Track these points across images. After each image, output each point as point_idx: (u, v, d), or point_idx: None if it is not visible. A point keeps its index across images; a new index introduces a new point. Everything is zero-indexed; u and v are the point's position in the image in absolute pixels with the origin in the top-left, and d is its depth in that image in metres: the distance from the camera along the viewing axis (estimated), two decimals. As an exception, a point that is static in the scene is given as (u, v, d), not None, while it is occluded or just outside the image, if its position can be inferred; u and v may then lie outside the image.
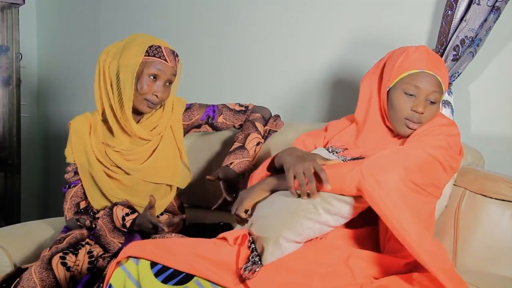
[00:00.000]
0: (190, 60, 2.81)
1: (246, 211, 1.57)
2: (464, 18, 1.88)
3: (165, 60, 1.85)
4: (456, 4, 1.90)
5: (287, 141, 2.08)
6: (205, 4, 2.76)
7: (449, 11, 1.93)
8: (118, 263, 1.38)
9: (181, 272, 1.35)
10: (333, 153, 1.59)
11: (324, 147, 1.67)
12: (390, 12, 2.21)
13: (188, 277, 1.35)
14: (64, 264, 1.70)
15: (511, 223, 1.62)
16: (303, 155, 1.48)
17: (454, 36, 1.90)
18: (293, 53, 2.48)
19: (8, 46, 3.22)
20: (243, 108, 2.07)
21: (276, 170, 1.58)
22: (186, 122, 2.02)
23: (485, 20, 1.86)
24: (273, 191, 1.53)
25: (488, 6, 1.84)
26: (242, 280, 1.34)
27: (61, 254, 1.72)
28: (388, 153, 1.42)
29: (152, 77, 1.84)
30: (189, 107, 2.03)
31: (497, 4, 1.83)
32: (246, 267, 1.35)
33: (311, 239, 1.45)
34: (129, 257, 1.37)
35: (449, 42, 1.92)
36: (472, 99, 2.06)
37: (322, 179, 1.38)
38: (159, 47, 1.87)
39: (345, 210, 1.42)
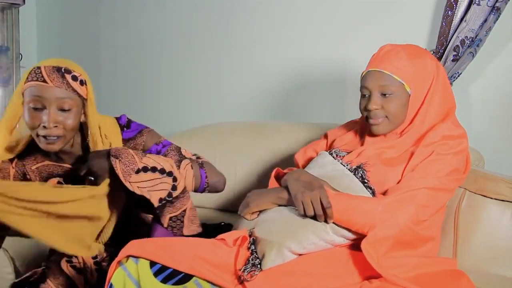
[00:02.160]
0: (189, 59, 2.81)
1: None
2: (464, 19, 1.88)
3: (44, 81, 1.47)
4: (456, 4, 1.90)
5: (293, 140, 2.09)
6: (204, 5, 2.76)
7: (449, 12, 1.93)
8: (119, 263, 1.39)
9: (180, 272, 1.35)
10: (337, 158, 1.59)
11: (327, 151, 1.67)
12: (390, 12, 2.21)
13: (187, 277, 1.35)
14: (73, 267, 1.62)
15: (511, 223, 1.62)
16: (311, 182, 1.46)
17: (454, 37, 1.91)
18: (294, 53, 2.48)
19: (8, 46, 3.22)
20: (192, 157, 1.71)
21: None
22: (125, 139, 1.66)
23: (485, 20, 1.86)
24: (281, 205, 1.53)
25: (488, 6, 1.84)
26: (241, 281, 1.34)
27: (65, 258, 1.62)
28: (401, 198, 1.43)
29: (33, 107, 1.48)
30: (128, 125, 1.67)
31: (497, 4, 1.84)
32: (245, 269, 1.36)
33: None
34: (128, 256, 1.38)
35: (449, 43, 1.92)
36: (472, 99, 2.06)
37: (327, 215, 1.40)
38: (39, 68, 1.49)
39: (350, 235, 1.44)
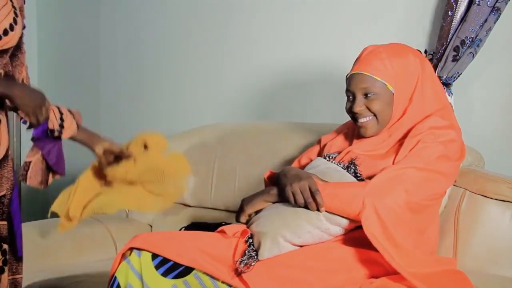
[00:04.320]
0: (189, 59, 2.82)
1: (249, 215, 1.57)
2: (464, 19, 1.88)
3: None
4: (456, 4, 1.91)
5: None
6: (204, 5, 2.76)
7: (449, 12, 1.93)
8: (123, 256, 1.40)
9: (181, 265, 1.36)
10: (330, 160, 1.60)
11: (319, 157, 1.68)
12: (390, 12, 2.21)
13: (188, 270, 1.36)
14: None
15: (511, 223, 1.62)
16: (298, 174, 1.48)
17: (454, 37, 1.91)
18: (294, 53, 2.48)
19: (8, 46, 3.22)
20: None
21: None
22: None
23: (485, 20, 1.86)
24: (275, 202, 1.53)
25: (489, 6, 1.84)
26: (238, 273, 1.35)
27: None
28: (388, 177, 1.43)
29: None
30: None
31: (497, 4, 1.84)
32: (242, 261, 1.37)
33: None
34: (132, 248, 1.39)
35: (449, 43, 1.93)
36: (472, 100, 2.06)
37: (317, 201, 1.40)
38: None
39: (345, 222, 1.44)
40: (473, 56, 1.92)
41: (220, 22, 2.72)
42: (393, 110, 1.53)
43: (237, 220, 1.56)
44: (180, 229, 1.97)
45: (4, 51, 1.49)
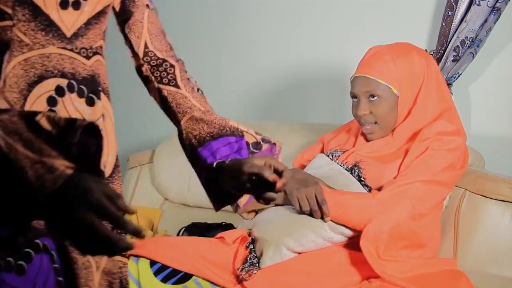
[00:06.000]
0: (188, 59, 2.81)
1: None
2: (464, 19, 1.88)
3: None
4: (456, 5, 1.91)
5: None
6: (203, 5, 2.76)
7: (449, 12, 1.93)
8: None
9: (180, 271, 1.36)
10: (333, 158, 1.59)
11: (323, 153, 1.67)
12: (391, 12, 2.21)
13: (187, 276, 1.36)
14: None
15: (511, 223, 1.62)
16: (306, 179, 1.47)
17: (454, 37, 1.91)
18: (294, 53, 2.48)
19: (8, 46, 3.22)
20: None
21: None
22: None
23: (485, 21, 1.86)
24: (278, 205, 1.53)
25: (489, 7, 1.84)
26: (239, 280, 1.35)
27: None
28: (396, 193, 1.43)
29: None
30: None
31: (497, 5, 1.84)
32: (243, 268, 1.36)
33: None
34: (129, 255, 1.38)
35: (449, 43, 1.92)
36: (472, 100, 2.06)
37: (323, 211, 1.40)
38: None
39: (348, 232, 1.45)
40: (473, 56, 1.92)
41: (220, 22, 2.71)
42: (397, 114, 1.52)
43: (239, 213, 1.55)
44: (181, 229, 1.97)
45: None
